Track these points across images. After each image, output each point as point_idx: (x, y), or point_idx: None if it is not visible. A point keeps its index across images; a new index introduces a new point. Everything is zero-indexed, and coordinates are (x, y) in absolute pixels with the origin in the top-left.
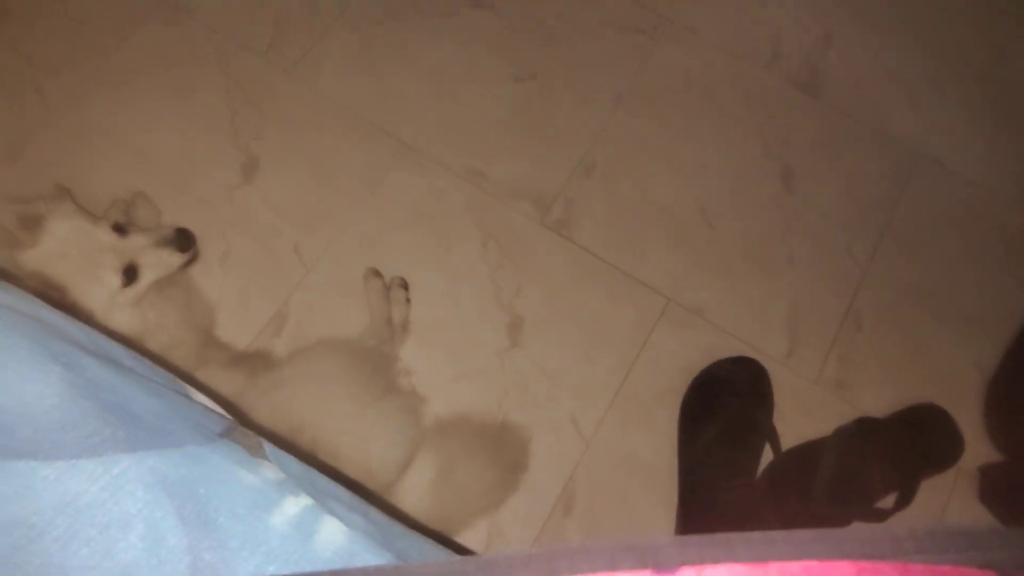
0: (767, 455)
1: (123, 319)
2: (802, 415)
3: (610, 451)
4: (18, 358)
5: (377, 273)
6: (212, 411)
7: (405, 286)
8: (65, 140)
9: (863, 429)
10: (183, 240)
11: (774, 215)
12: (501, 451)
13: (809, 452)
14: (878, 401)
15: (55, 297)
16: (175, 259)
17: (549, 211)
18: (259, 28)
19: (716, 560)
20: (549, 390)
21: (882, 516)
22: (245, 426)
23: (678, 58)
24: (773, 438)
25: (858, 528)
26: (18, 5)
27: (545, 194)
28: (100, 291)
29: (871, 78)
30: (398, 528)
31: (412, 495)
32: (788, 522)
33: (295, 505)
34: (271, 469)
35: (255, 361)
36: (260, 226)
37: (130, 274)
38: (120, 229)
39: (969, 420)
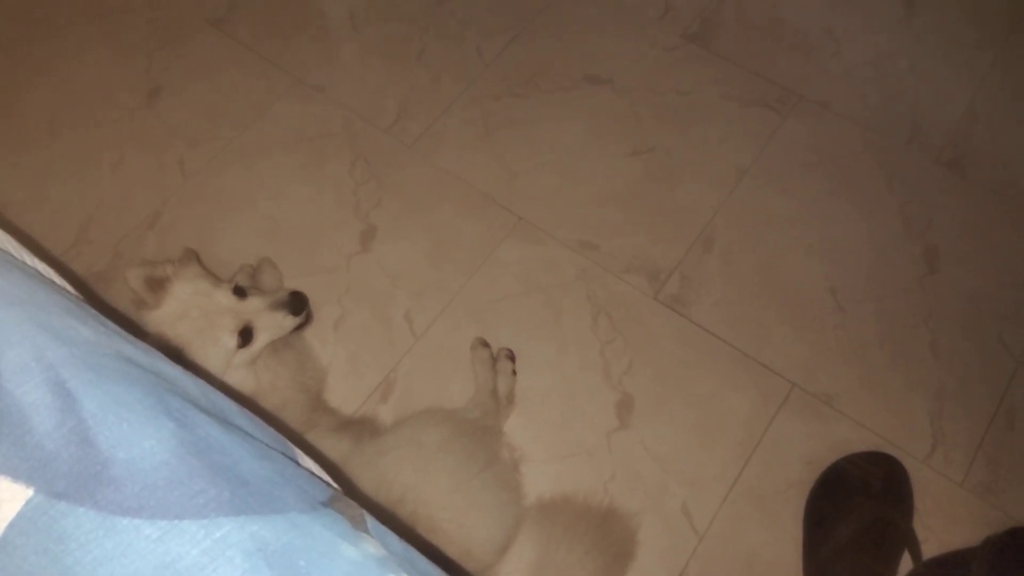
0: (905, 563)
1: (238, 379)
2: (945, 521)
3: (726, 547)
4: (134, 412)
5: (485, 343)
6: (318, 477)
7: (512, 357)
8: (201, 208)
9: (1017, 541)
10: (296, 303)
11: (916, 299)
12: (607, 538)
13: (954, 563)
14: None
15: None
16: (288, 322)
17: (664, 286)
18: (386, 104)
19: None
20: (659, 476)
21: None
22: (349, 494)
23: (808, 133)
24: (913, 545)
25: None
26: (169, 81)
27: (660, 269)
28: (217, 351)
29: (1020, 155)
30: None
31: None
32: None
33: None
34: (372, 545)
35: (361, 427)
36: (374, 292)
37: (246, 335)
38: (240, 292)
39: None
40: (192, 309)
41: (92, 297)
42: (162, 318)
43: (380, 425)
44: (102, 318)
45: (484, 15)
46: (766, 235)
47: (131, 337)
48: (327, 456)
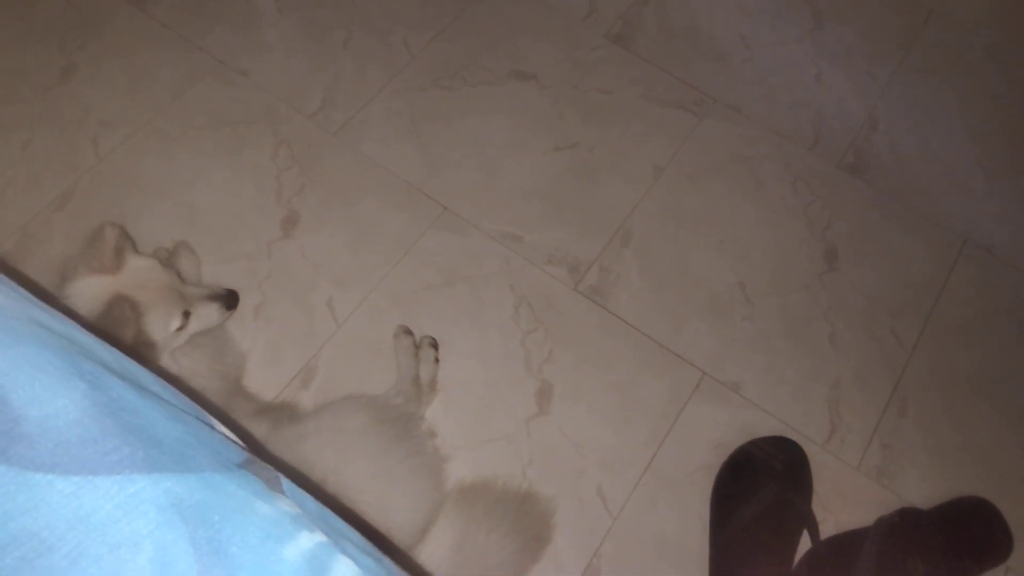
0: (804, 543)
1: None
2: (842, 502)
3: (638, 527)
4: (46, 372)
5: (408, 331)
6: (232, 442)
7: (435, 345)
8: (115, 190)
9: (906, 520)
10: (231, 299)
11: (817, 294)
12: (524, 520)
13: (849, 542)
14: (923, 491)
15: (129, 316)
16: (218, 315)
17: (583, 278)
18: (310, 91)
19: None
20: (576, 461)
21: None
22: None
23: (721, 135)
24: (811, 525)
25: None
26: (84, 59)
27: (580, 261)
28: (163, 328)
29: (918, 162)
30: None
31: (431, 560)
32: None
33: (309, 540)
34: (287, 503)
35: (280, 412)
36: (296, 279)
37: (184, 319)
38: (180, 277)
39: (1020, 516)
40: (151, 281)
41: (3, 267)
42: (118, 283)
43: (301, 411)
44: (14, 284)
45: (411, 7)
46: (680, 231)
47: (44, 304)
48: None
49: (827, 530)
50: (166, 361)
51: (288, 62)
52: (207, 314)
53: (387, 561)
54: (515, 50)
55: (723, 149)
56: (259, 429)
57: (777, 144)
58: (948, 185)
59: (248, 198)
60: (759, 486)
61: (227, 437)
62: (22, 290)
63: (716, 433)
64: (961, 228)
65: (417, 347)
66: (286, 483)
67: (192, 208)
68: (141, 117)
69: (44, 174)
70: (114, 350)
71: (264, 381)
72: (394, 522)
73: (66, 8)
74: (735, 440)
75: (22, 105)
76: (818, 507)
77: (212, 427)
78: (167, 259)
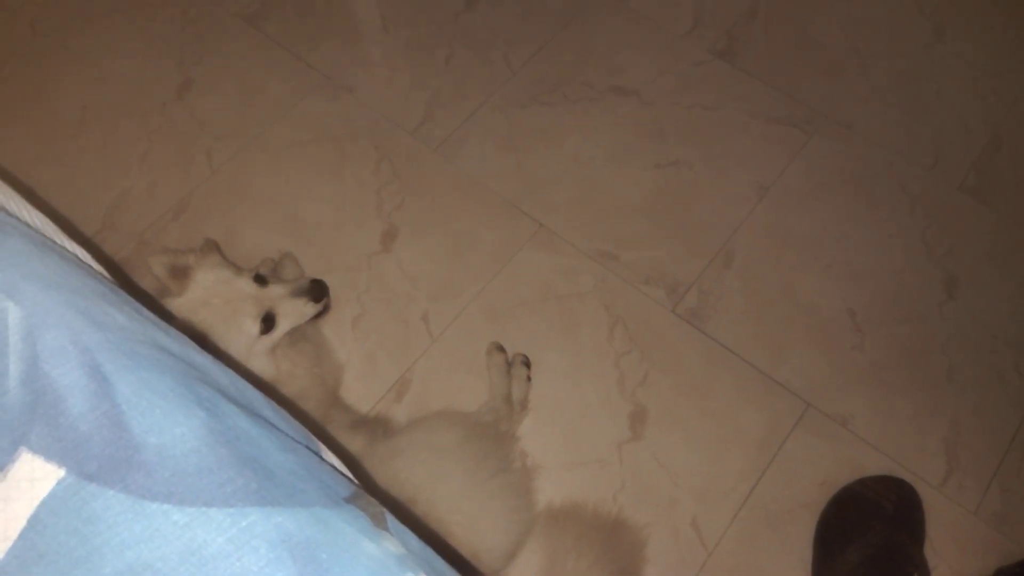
0: None
1: (258, 366)
2: (958, 549)
3: (734, 564)
4: (166, 399)
5: (500, 348)
6: (341, 474)
7: (527, 364)
8: (226, 201)
9: None
10: (317, 290)
11: (934, 325)
12: (615, 549)
13: None
14: None
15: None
16: (309, 308)
17: (682, 300)
18: (412, 108)
19: None
20: (670, 489)
21: None
22: (369, 491)
23: (831, 153)
24: (923, 571)
25: None
26: (200, 74)
27: (679, 282)
28: (239, 338)
29: None
30: None
31: None
32: None
33: None
34: (393, 543)
35: (376, 426)
36: (393, 292)
37: (268, 322)
38: (260, 280)
39: None
40: (214, 296)
41: (124, 282)
42: (185, 305)
43: (394, 425)
44: (136, 304)
45: (512, 24)
46: (786, 253)
47: (164, 325)
48: (344, 452)
49: None
50: (264, 363)
51: (392, 78)
52: (294, 310)
53: None
54: (616, 65)
55: (834, 168)
56: (355, 443)
57: (892, 164)
58: None
59: (350, 212)
60: (867, 528)
61: (335, 468)
62: (144, 310)
63: (821, 469)
64: None
65: (510, 364)
66: (391, 520)
67: (296, 220)
68: (251, 131)
69: (161, 184)
70: (230, 372)
71: (360, 392)
72: (483, 544)
73: (184, 23)
74: (842, 478)
75: (141, 117)
76: (931, 553)
77: (320, 456)
78: (273, 270)
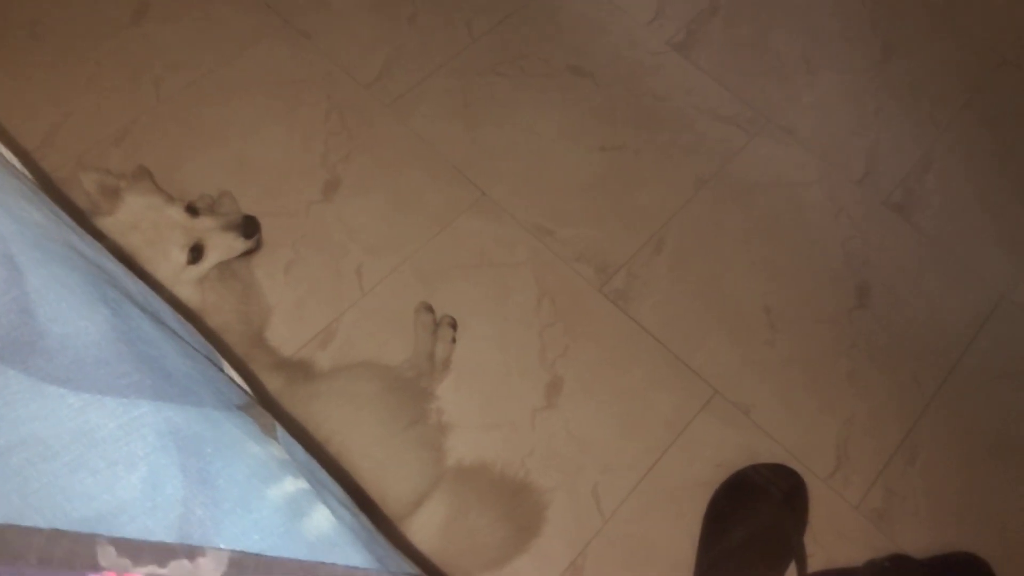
0: (790, 573)
1: (184, 294)
2: (836, 539)
3: (627, 533)
4: (73, 293)
5: (429, 308)
6: (236, 384)
7: (454, 325)
8: (170, 132)
9: (897, 567)
10: (249, 226)
11: (842, 329)
12: (517, 509)
13: None
14: (919, 541)
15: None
16: (239, 244)
17: (610, 280)
18: (369, 62)
19: None
20: (576, 458)
21: None
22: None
23: (769, 156)
24: (801, 556)
25: None
26: (157, 0)
27: (609, 263)
28: (166, 265)
29: (966, 210)
30: (383, 540)
31: (419, 534)
32: None
33: (292, 485)
34: (278, 449)
35: (296, 369)
36: (329, 243)
37: (196, 253)
38: (192, 211)
39: None
40: (143, 221)
41: (57, 197)
42: (114, 226)
43: (316, 370)
44: (55, 208)
45: None
46: (714, 246)
47: (80, 230)
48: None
49: (816, 564)
50: (190, 292)
51: (353, 29)
52: (223, 244)
53: (364, 518)
54: (576, 45)
55: (770, 170)
56: (274, 382)
57: (825, 172)
58: (994, 238)
59: (295, 157)
60: (755, 511)
61: (232, 379)
62: (63, 213)
63: (719, 452)
64: (1001, 284)
65: (436, 325)
66: (280, 431)
67: (240, 160)
68: (204, 65)
69: (105, 108)
70: (140, 282)
71: (285, 336)
72: (389, 491)
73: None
74: (737, 462)
75: (93, 39)
76: (810, 540)
77: (220, 368)
78: (210, 207)
